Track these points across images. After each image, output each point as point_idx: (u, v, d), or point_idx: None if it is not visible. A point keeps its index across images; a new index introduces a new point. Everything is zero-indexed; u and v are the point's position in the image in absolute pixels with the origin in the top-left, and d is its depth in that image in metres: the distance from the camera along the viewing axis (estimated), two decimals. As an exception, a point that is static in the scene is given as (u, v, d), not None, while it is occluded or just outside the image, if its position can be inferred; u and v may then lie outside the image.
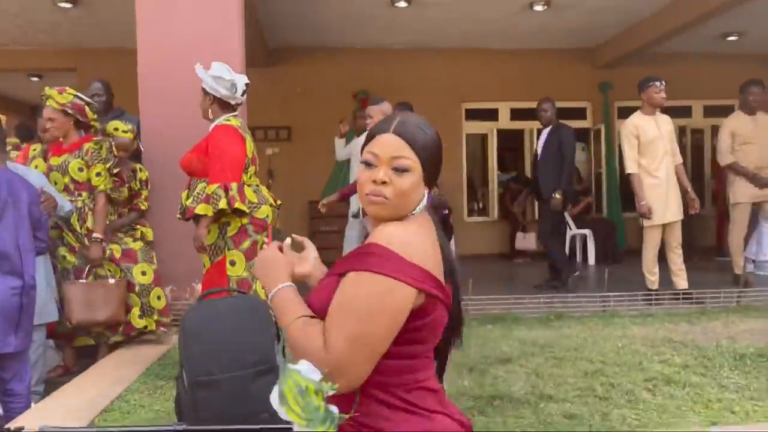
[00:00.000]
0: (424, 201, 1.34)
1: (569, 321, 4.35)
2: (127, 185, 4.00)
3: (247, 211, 3.16)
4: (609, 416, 2.48)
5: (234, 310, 2.41)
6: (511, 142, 10.09)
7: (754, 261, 6.46)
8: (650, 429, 2.35)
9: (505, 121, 9.64)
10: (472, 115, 9.53)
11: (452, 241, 5.16)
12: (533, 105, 9.56)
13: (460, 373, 3.08)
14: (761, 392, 2.75)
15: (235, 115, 3.36)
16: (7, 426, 2.09)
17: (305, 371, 1.19)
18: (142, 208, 4.14)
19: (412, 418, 1.24)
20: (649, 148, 4.90)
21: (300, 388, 1.16)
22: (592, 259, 7.59)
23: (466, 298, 4.79)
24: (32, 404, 3.21)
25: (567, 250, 8.06)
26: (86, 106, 3.77)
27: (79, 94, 3.77)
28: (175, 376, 2.48)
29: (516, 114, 9.61)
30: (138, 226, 4.10)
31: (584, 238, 7.88)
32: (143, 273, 3.85)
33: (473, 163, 10.01)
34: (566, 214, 8.08)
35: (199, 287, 4.15)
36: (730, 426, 2.37)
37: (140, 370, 3.33)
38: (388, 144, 1.30)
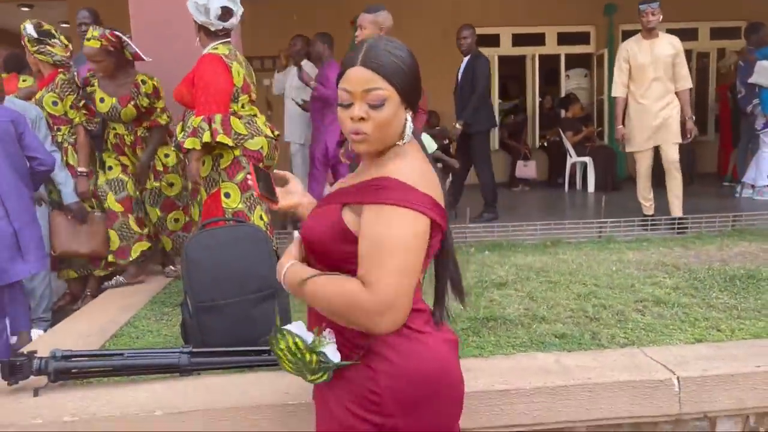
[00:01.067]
0: (410, 126, 1.33)
1: (565, 247, 4.43)
2: (132, 103, 3.66)
3: (231, 143, 3.10)
4: (598, 335, 2.57)
5: (234, 238, 2.47)
6: (513, 69, 9.92)
7: (753, 186, 6.49)
8: (637, 346, 2.44)
9: (506, 47, 9.44)
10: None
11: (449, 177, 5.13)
12: (536, 30, 9.38)
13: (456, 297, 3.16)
14: (748, 311, 2.84)
15: (224, 43, 3.26)
16: (21, 350, 2.19)
17: (297, 331, 1.27)
18: (161, 122, 3.82)
19: (401, 337, 1.30)
20: (638, 73, 4.91)
21: (291, 349, 1.25)
22: (591, 187, 7.62)
23: (464, 227, 4.87)
24: (41, 331, 3.36)
25: (567, 178, 8.10)
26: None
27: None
28: (180, 303, 2.57)
29: (518, 40, 9.39)
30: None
31: (584, 166, 7.88)
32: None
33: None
34: (566, 141, 8.07)
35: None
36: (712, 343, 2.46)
37: (146, 298, 3.43)
38: (358, 78, 1.28)
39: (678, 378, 2.12)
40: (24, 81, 4.16)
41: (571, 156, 8.06)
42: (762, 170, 6.33)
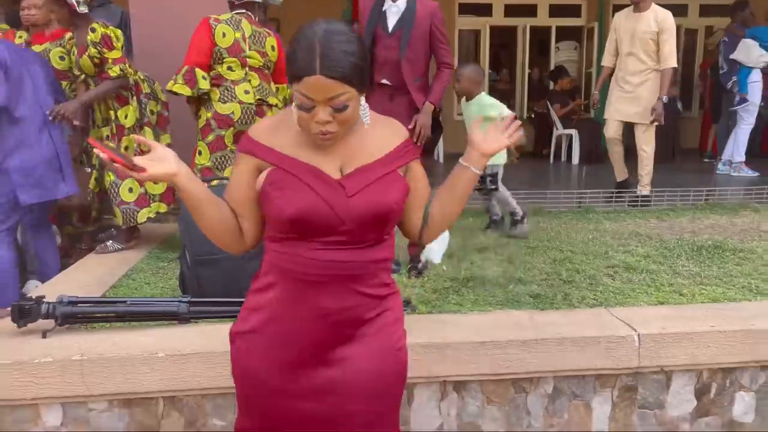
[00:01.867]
0: (365, 107, 1.41)
1: (546, 215, 4.61)
2: (86, 53, 3.46)
3: (187, 93, 3.39)
4: (570, 296, 2.76)
5: (230, 196, 2.61)
6: (505, 40, 9.98)
7: (731, 162, 6.70)
8: (604, 307, 2.63)
9: (499, 17, 9.49)
10: (466, 9, 9.35)
11: (441, 139, 5.34)
12: (528, 1, 9.42)
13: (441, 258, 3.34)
14: (711, 278, 3.04)
15: (237, 12, 3.53)
16: (29, 294, 2.33)
17: None
18: (111, 74, 3.49)
19: None
20: (620, 45, 5.06)
21: None
22: (576, 159, 7.78)
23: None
24: (39, 283, 3.49)
25: (552, 150, 8.26)
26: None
27: None
28: (177, 257, 2.71)
29: (510, 10, 9.44)
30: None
31: (570, 138, 8.03)
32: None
33: (466, 61, 9.91)
34: (553, 113, 8.20)
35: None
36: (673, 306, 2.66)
37: (142, 253, 3.57)
38: (320, 87, 1.27)
39: (639, 335, 2.31)
40: (20, 37, 4.20)
41: (557, 128, 8.20)
42: (739, 146, 6.53)
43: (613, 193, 5.12)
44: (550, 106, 8.34)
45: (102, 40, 3.45)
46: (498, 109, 3.83)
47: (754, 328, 2.36)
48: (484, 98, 4.02)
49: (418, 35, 3.08)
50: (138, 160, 1.33)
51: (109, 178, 3.58)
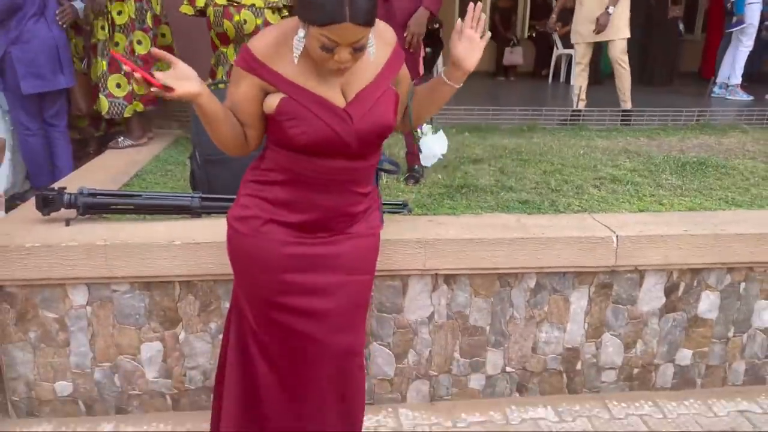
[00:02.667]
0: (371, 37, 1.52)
1: (540, 132, 4.74)
2: None
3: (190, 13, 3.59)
4: (556, 203, 2.94)
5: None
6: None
7: (727, 85, 6.75)
8: (588, 212, 2.82)
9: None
10: None
11: (440, 56, 5.40)
12: None
13: (435, 169, 3.49)
14: (690, 191, 3.21)
15: None
16: (52, 185, 2.49)
17: None
18: None
19: None
20: None
21: None
22: (574, 79, 7.79)
23: (446, 109, 5.12)
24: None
25: (551, 69, 8.26)
26: None
27: None
28: (188, 157, 2.85)
29: None
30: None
31: (570, 58, 8.00)
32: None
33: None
34: (554, 34, 8.13)
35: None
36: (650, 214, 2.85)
37: (150, 156, 3.71)
38: (348, 34, 1.36)
39: (617, 236, 2.50)
40: None
41: (557, 48, 8.16)
42: (736, 69, 6.56)
43: (579, 115, 5.20)
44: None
45: None
46: None
47: (723, 233, 2.56)
48: None
49: None
50: (163, 78, 1.39)
51: (102, 68, 3.74)
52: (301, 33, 1.43)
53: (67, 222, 2.42)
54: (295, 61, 1.48)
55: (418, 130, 1.59)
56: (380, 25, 1.59)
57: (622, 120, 5.10)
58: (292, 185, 1.61)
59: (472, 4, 1.61)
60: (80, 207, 2.42)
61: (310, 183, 1.60)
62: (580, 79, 5.28)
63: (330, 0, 1.32)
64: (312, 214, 1.64)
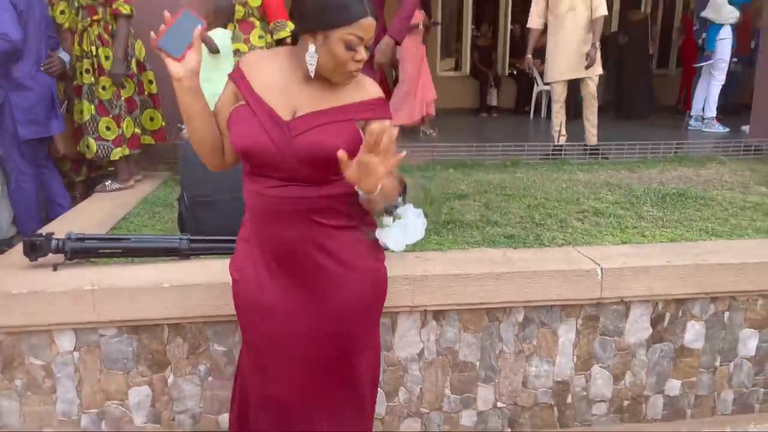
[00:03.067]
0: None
1: (524, 167, 4.82)
2: None
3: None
4: (541, 237, 2.98)
5: (225, 141, 2.77)
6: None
7: (703, 118, 6.94)
8: (572, 245, 2.86)
9: (482, -28, 9.50)
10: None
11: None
12: (511, -43, 9.41)
13: (421, 206, 3.53)
14: (671, 222, 3.28)
15: None
16: (39, 231, 2.49)
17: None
18: (123, 11, 3.76)
19: None
20: (557, 4, 5.07)
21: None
22: (553, 116, 7.95)
23: (432, 146, 5.20)
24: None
25: (533, 106, 8.44)
26: None
27: None
28: (176, 199, 2.88)
29: (493, -35, 9.45)
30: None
31: (549, 94, 8.18)
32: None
33: (449, 17, 9.96)
34: (534, 70, 8.33)
35: (186, 128, 4.44)
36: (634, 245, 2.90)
37: (137, 198, 3.72)
38: (371, 28, 1.50)
39: (601, 269, 2.55)
40: None
41: (537, 84, 8.35)
42: (710, 103, 6.75)
43: (561, 149, 5.26)
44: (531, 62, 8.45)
45: None
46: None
47: (704, 263, 2.61)
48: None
49: None
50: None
51: (90, 111, 3.81)
52: (312, 48, 1.51)
53: (55, 267, 2.41)
54: (312, 75, 1.55)
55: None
56: (366, 80, 1.66)
57: (591, 153, 5.19)
58: (257, 217, 1.65)
59: (376, 125, 1.47)
60: (68, 252, 2.42)
61: (270, 211, 1.60)
62: (559, 116, 5.37)
63: (348, 1, 1.45)
64: (278, 248, 1.63)
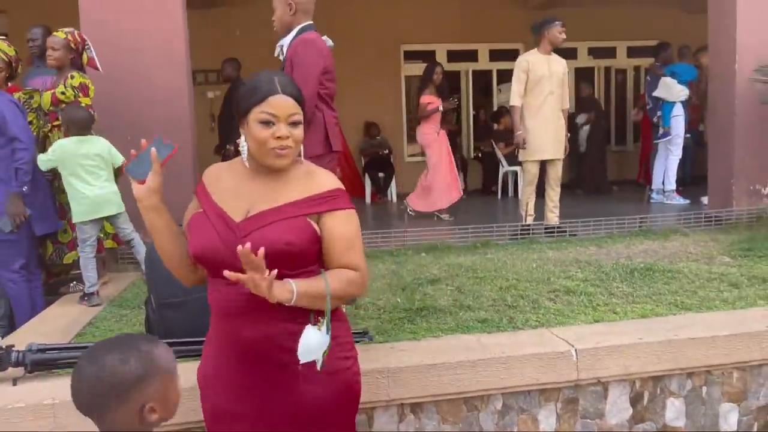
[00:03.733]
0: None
1: (493, 247, 4.87)
2: (51, 91, 3.87)
3: None
4: (515, 320, 2.98)
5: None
6: (449, 83, 10.42)
7: (664, 191, 7.16)
8: (546, 327, 2.86)
9: (442, 62, 9.94)
10: (411, 56, 9.80)
11: (393, 180, 5.68)
12: (469, 47, 9.95)
13: (394, 292, 3.53)
14: (641, 297, 3.31)
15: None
16: (-1, 344, 2.41)
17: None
18: None
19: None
20: (536, 86, 5.20)
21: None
22: (521, 195, 8.15)
23: (402, 231, 5.25)
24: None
25: (500, 186, 8.65)
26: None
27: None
28: (144, 302, 2.82)
29: (453, 56, 9.93)
30: None
31: (516, 174, 8.43)
32: None
33: (414, 105, 10.31)
34: (498, 152, 8.62)
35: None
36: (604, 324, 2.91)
37: (103, 302, 3.64)
38: (284, 105, 1.55)
39: (576, 350, 2.54)
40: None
41: (503, 165, 8.61)
42: (669, 176, 7.01)
43: (529, 229, 5.32)
44: (495, 145, 8.76)
45: (80, 87, 3.89)
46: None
47: (676, 338, 2.63)
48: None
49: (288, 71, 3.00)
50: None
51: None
52: (242, 138, 1.61)
53: (14, 381, 2.32)
54: (245, 164, 1.62)
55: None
56: (324, 175, 1.67)
57: (552, 233, 5.24)
58: (218, 317, 1.63)
59: (240, 249, 1.41)
60: (28, 365, 2.33)
61: (228, 310, 1.58)
62: (527, 196, 5.48)
63: (263, 83, 1.56)
64: (241, 348, 1.59)
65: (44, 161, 3.59)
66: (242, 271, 1.50)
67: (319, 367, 1.54)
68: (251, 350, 1.59)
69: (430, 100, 6.71)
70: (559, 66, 5.32)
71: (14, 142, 3.55)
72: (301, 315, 1.57)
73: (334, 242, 1.59)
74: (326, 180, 1.65)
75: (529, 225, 5.36)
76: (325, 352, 1.54)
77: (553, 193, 5.40)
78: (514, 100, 5.30)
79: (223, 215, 1.58)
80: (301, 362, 1.53)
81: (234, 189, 1.63)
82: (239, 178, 1.65)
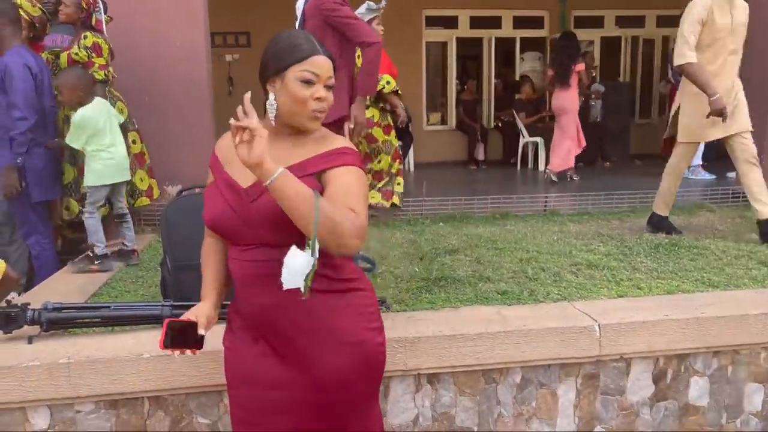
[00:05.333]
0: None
1: (513, 219, 4.79)
2: (67, 53, 3.82)
3: None
4: (536, 292, 2.91)
5: (209, 203, 2.71)
6: (471, 51, 10.21)
7: (689, 166, 6.98)
8: (568, 301, 2.79)
9: (464, 29, 9.74)
10: (432, 22, 9.58)
11: (411, 149, 5.59)
12: (492, 13, 9.69)
13: (412, 261, 3.47)
14: (666, 273, 3.22)
15: None
16: (14, 302, 2.39)
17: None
18: (96, 77, 3.83)
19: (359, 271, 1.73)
20: (714, 42, 3.80)
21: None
22: (542, 165, 8.02)
23: (420, 200, 5.18)
24: (15, 294, 3.53)
25: (519, 157, 8.51)
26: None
27: None
28: (159, 264, 2.79)
29: (475, 22, 9.70)
30: None
31: (536, 145, 8.27)
32: None
33: (434, 72, 10.13)
34: (520, 122, 8.45)
35: (169, 189, 4.40)
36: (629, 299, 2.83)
37: (120, 263, 3.62)
38: (325, 66, 1.52)
39: (599, 325, 2.47)
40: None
41: (523, 136, 8.44)
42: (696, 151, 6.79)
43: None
44: (516, 114, 8.59)
45: (93, 47, 3.85)
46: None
47: (703, 316, 2.54)
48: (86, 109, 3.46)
49: (313, 28, 2.90)
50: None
51: (72, 173, 3.95)
52: (271, 97, 1.53)
53: (30, 339, 2.30)
54: (272, 122, 1.54)
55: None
56: (333, 135, 1.61)
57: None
58: (237, 284, 1.61)
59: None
60: (44, 323, 2.31)
61: (244, 276, 1.56)
62: (674, 193, 4.24)
63: (299, 39, 1.52)
64: (259, 315, 1.57)
65: (75, 140, 3.42)
66: (255, 241, 1.51)
67: (303, 296, 1.37)
68: (268, 316, 1.55)
69: (582, 68, 7.09)
70: (744, 14, 3.89)
71: (13, 110, 3.43)
72: (316, 278, 1.45)
73: (334, 187, 1.48)
74: (339, 140, 1.61)
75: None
76: (309, 276, 1.36)
77: (750, 172, 3.89)
78: (689, 57, 3.76)
79: (231, 182, 1.56)
80: (284, 287, 1.37)
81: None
82: None
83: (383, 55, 4.08)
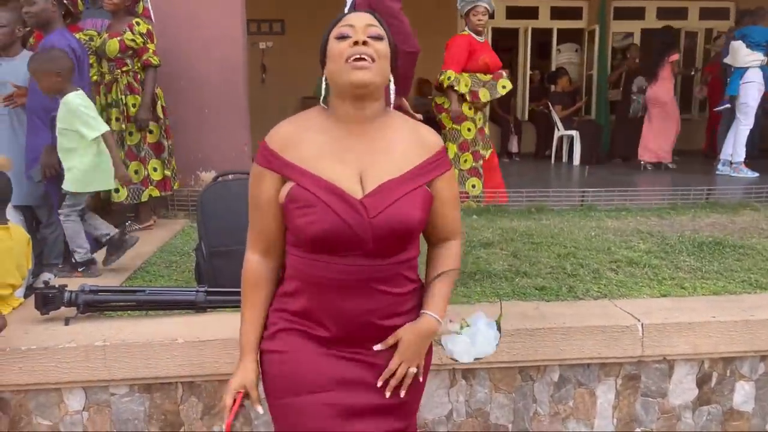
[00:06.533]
0: (392, 88, 1.45)
1: (549, 213, 4.68)
2: (118, 38, 3.88)
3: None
4: (575, 289, 2.83)
5: (246, 189, 2.68)
6: (507, 42, 10.04)
7: (731, 162, 6.77)
8: (608, 298, 2.71)
9: (500, 19, 9.57)
10: (468, 12, 9.42)
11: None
12: (529, 4, 9.51)
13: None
14: (711, 273, 3.11)
15: None
16: (51, 284, 2.41)
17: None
18: (153, 62, 3.97)
19: None
20: None
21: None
22: (577, 159, 7.87)
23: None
24: (51, 276, 3.56)
25: (554, 150, 8.36)
26: None
27: None
28: (194, 249, 2.79)
29: (512, 12, 9.53)
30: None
31: (571, 138, 8.11)
32: None
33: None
34: (555, 115, 8.29)
35: (204, 175, 4.41)
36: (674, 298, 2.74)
37: (155, 247, 3.64)
38: (360, 17, 1.41)
39: (642, 325, 2.38)
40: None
41: (558, 129, 8.29)
42: (738, 147, 6.59)
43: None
44: (551, 107, 8.43)
45: (147, 33, 3.97)
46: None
47: (753, 318, 2.44)
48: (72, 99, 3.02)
49: None
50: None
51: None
52: (323, 78, 1.45)
53: (67, 321, 2.31)
54: (320, 103, 1.46)
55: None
56: (424, 128, 1.50)
57: None
58: (310, 292, 1.42)
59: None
60: (80, 305, 2.32)
61: (327, 285, 1.39)
62: None
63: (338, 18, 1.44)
64: (338, 324, 1.41)
65: (93, 129, 3.03)
66: (369, 251, 1.36)
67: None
68: (351, 320, 1.41)
69: (676, 57, 7.38)
70: None
71: None
72: (405, 282, 1.44)
73: (444, 205, 1.47)
74: (433, 137, 1.48)
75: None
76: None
77: None
78: None
79: (338, 191, 1.36)
80: (459, 360, 1.58)
81: (332, 152, 1.39)
82: (333, 136, 1.41)
83: (487, 49, 5.12)
